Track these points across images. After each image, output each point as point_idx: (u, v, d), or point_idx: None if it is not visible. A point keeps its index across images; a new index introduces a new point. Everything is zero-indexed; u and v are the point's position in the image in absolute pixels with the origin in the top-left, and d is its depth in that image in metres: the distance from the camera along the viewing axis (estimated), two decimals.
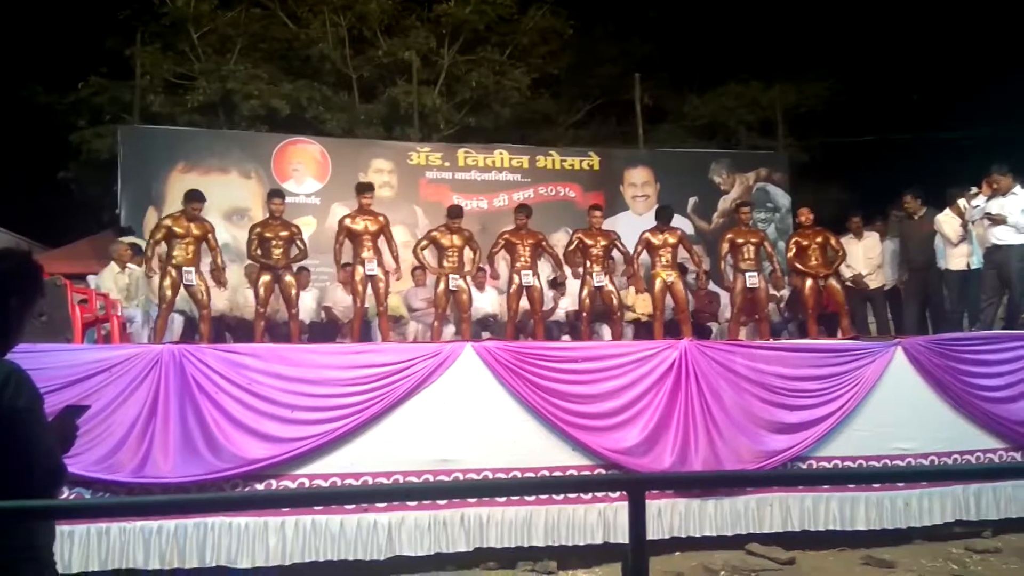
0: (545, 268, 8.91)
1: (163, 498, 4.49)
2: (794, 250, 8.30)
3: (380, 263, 7.89)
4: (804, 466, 6.62)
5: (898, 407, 6.85)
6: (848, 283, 8.79)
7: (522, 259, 8.18)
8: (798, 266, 8.27)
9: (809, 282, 8.16)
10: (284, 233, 7.80)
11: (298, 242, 7.92)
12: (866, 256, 9.12)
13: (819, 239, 8.26)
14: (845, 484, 6.53)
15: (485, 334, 8.85)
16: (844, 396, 6.75)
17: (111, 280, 8.37)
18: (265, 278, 7.70)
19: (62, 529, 5.12)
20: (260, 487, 5.81)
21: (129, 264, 8.58)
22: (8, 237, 12.75)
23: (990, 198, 7.86)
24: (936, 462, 6.77)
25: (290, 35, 14.88)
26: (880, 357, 6.90)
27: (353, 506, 5.81)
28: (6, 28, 14.64)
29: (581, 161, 12.07)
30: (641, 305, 9.66)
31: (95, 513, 5.28)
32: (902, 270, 8.97)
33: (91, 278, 8.69)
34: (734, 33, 16.71)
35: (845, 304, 8.20)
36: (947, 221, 8.31)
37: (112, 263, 8.55)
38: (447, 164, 11.58)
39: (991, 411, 6.94)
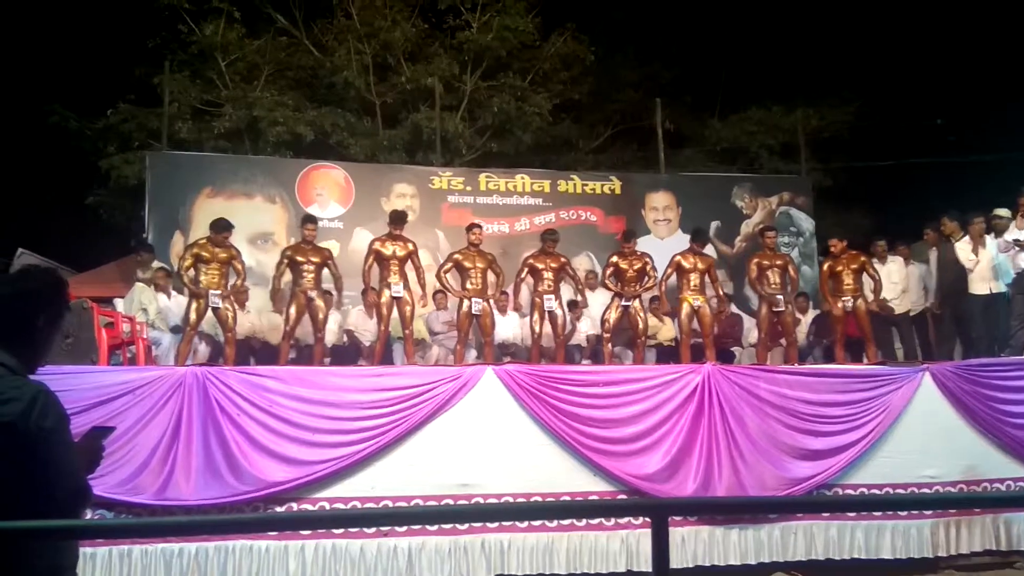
0: (566, 291, 8.89)
1: (185, 519, 4.50)
2: (827, 274, 8.26)
3: (406, 287, 7.94)
4: (830, 494, 6.52)
5: (926, 434, 6.74)
6: (873, 308, 8.69)
7: (545, 282, 8.18)
8: (828, 291, 8.22)
9: (838, 306, 8.10)
10: (316, 258, 7.92)
11: (330, 265, 8.00)
12: (891, 281, 9.02)
13: (854, 265, 8.21)
14: (871, 511, 6.40)
15: (506, 358, 8.83)
16: (871, 422, 6.66)
17: (148, 301, 8.34)
18: (298, 301, 7.77)
19: (84, 550, 5.15)
20: (281, 511, 5.80)
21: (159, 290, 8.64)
22: (36, 259, 12.93)
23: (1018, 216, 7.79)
24: (964, 490, 6.65)
25: (315, 63, 15.11)
26: (907, 383, 6.81)
27: (373, 530, 5.80)
28: (38, 56, 14.97)
29: (602, 185, 12.05)
30: (663, 332, 9.60)
31: (118, 534, 5.31)
32: (935, 294, 8.85)
33: (118, 301, 8.76)
34: (755, 58, 16.72)
35: (870, 330, 8.11)
36: (963, 248, 8.23)
37: (142, 285, 8.53)
38: (469, 188, 11.62)
39: (1021, 438, 6.81)
